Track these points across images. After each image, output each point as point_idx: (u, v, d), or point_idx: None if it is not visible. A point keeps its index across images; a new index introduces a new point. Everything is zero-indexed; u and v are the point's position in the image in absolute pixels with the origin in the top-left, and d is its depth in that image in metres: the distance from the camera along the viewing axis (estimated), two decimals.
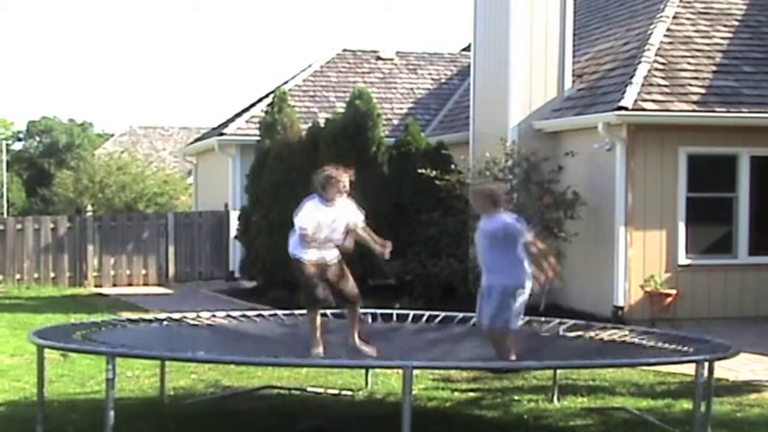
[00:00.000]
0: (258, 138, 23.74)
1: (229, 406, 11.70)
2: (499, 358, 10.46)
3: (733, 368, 13.41)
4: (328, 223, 10.80)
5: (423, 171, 19.87)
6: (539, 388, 12.52)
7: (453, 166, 20.37)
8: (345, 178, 11.02)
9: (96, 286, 26.29)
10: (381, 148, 21.74)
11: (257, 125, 24.64)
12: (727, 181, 19.02)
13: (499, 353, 10.45)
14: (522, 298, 10.45)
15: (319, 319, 10.88)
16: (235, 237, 24.94)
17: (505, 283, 10.44)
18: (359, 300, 11.16)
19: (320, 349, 10.68)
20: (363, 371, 12.75)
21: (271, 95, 24.85)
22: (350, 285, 11.03)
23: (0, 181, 64.31)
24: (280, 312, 13.34)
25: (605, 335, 12.01)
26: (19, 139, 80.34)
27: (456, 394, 12.37)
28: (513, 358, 10.39)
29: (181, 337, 11.71)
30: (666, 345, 11.05)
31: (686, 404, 11.25)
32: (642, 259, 18.46)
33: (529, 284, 10.48)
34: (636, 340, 11.69)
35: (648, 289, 18.32)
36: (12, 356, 15.02)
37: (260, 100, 28.82)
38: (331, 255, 10.91)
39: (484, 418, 11.28)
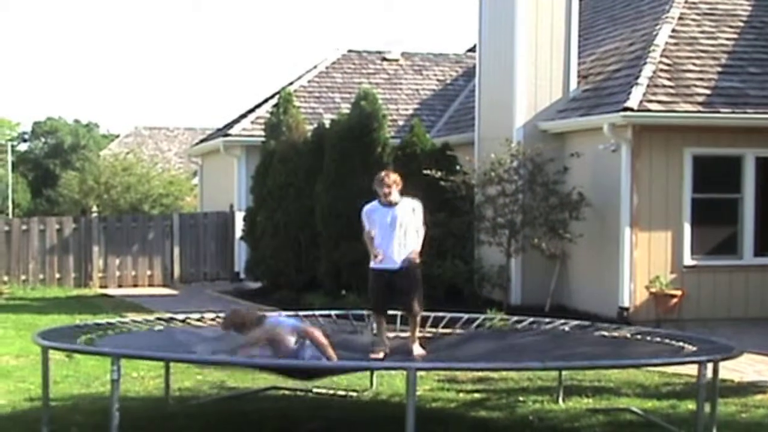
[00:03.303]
0: (263, 139, 23.75)
1: (234, 407, 11.71)
2: None
3: (738, 369, 13.40)
4: (383, 223, 11.58)
5: (428, 172, 19.86)
6: (544, 388, 12.50)
7: (458, 167, 20.36)
8: (388, 179, 11.71)
9: (101, 287, 26.31)
10: (386, 149, 21.73)
11: (262, 126, 24.66)
12: (732, 182, 19.01)
13: None
14: None
15: (383, 323, 11.71)
16: (241, 238, 24.96)
17: None
18: (414, 310, 11.63)
19: (380, 352, 11.43)
20: (368, 372, 12.74)
21: (277, 96, 24.87)
22: (407, 296, 11.58)
23: (5, 182, 64.35)
24: (284, 313, 13.35)
25: (610, 336, 12.01)
26: (25, 140, 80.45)
27: (461, 395, 12.36)
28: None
29: (185, 338, 11.70)
30: (671, 345, 11.05)
31: (691, 405, 11.21)
32: (647, 260, 18.45)
33: None
34: (641, 340, 11.69)
35: (653, 290, 18.31)
36: (17, 357, 15.03)
37: (266, 101, 28.85)
38: (395, 263, 11.51)
39: (489, 419, 11.27)
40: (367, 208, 11.86)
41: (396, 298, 11.66)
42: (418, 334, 11.75)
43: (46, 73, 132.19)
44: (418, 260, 11.58)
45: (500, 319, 13.85)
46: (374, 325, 11.92)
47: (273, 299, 21.18)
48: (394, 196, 11.61)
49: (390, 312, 11.92)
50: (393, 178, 11.72)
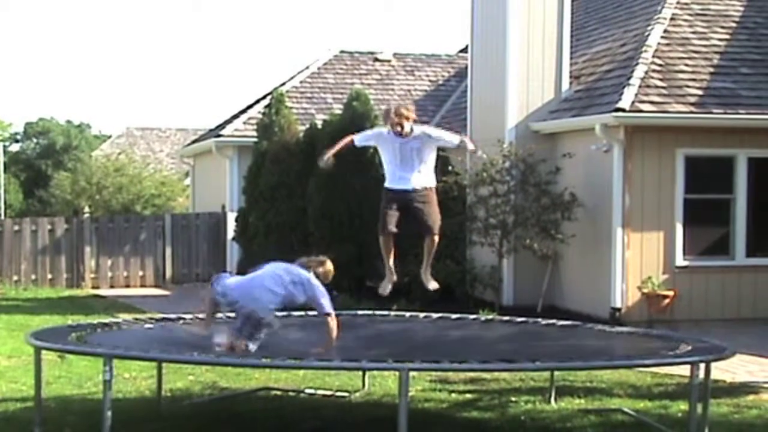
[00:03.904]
0: (255, 139, 23.74)
1: (227, 407, 11.71)
2: None
3: (730, 370, 13.42)
4: (394, 151, 11.11)
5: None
6: (536, 389, 12.52)
7: (450, 168, 20.36)
8: (397, 115, 11.05)
9: (93, 287, 26.28)
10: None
11: (254, 127, 24.65)
12: (724, 182, 19.03)
13: None
14: None
15: (390, 246, 11.37)
16: (233, 238, 24.94)
17: None
18: (433, 232, 11.26)
19: (389, 282, 11.48)
20: (360, 373, 12.75)
21: (269, 97, 24.85)
22: (426, 216, 11.18)
23: None
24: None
25: (603, 336, 12.02)
26: (17, 141, 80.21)
27: (453, 395, 12.37)
28: None
29: (178, 338, 11.69)
30: (663, 346, 11.06)
31: (683, 406, 11.24)
32: (639, 261, 18.47)
33: None
34: (633, 341, 11.71)
35: (645, 290, 18.33)
36: (9, 358, 15.01)
37: (257, 101, 28.82)
38: (409, 184, 11.10)
39: (481, 420, 11.27)
40: (375, 131, 11.68)
41: (411, 219, 11.19)
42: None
43: (38, 74, 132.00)
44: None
45: (492, 320, 13.84)
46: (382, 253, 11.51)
47: None
48: (406, 128, 10.96)
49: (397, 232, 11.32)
50: (404, 113, 10.98)
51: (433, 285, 11.60)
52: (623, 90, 18.61)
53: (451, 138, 11.35)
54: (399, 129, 10.91)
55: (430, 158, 11.20)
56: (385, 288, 11.57)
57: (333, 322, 10.16)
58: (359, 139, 11.47)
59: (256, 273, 10.39)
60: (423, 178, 11.12)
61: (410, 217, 11.15)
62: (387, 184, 11.21)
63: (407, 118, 10.94)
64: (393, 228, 11.13)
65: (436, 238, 11.30)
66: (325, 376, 13.29)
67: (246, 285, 10.25)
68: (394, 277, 11.51)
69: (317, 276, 10.27)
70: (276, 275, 10.27)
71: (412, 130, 10.98)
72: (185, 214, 32.23)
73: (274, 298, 10.06)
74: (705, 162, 19.00)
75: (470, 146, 11.30)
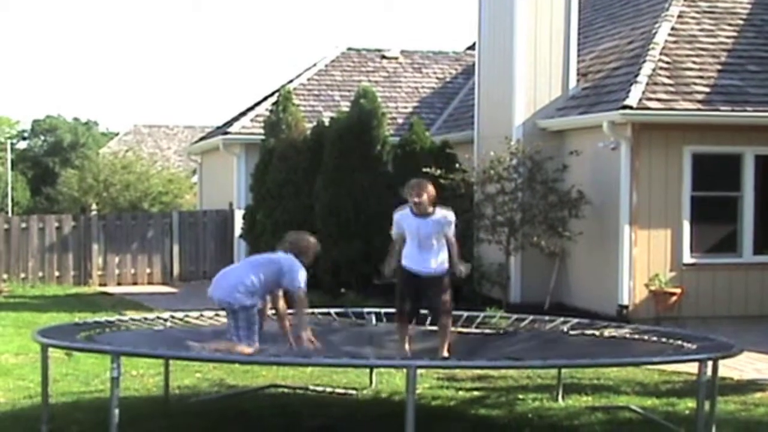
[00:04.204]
0: (263, 137, 23.73)
1: (234, 405, 11.71)
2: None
3: (737, 367, 13.40)
4: (412, 231, 11.04)
5: (427, 170, 19.81)
6: (544, 386, 12.51)
7: (457, 165, 20.34)
8: (418, 191, 11.04)
9: (101, 284, 26.31)
10: (386, 147, 21.73)
11: (262, 124, 24.66)
12: (731, 180, 19.00)
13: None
14: None
15: (404, 331, 11.19)
16: (240, 236, 24.93)
17: None
18: (440, 317, 11.18)
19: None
20: (367, 370, 12.75)
21: (276, 94, 24.86)
22: (436, 303, 11.12)
23: (5, 180, 64.33)
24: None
25: (609, 334, 12.01)
26: (24, 138, 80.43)
27: (460, 392, 12.36)
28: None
29: (185, 336, 11.69)
30: (670, 344, 11.05)
31: (691, 403, 11.22)
32: (647, 258, 18.45)
33: None
34: (640, 338, 11.70)
35: (653, 287, 18.31)
36: (17, 355, 15.03)
37: (265, 98, 28.84)
38: (424, 268, 11.03)
39: (489, 417, 11.28)
40: (398, 214, 11.25)
41: (423, 303, 11.22)
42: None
43: (46, 71, 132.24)
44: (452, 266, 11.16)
45: (500, 317, 13.84)
46: (396, 334, 11.42)
47: None
48: (424, 208, 10.97)
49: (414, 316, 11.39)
50: (425, 190, 11.02)
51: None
52: (630, 87, 18.59)
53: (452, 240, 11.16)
54: (416, 200, 10.91)
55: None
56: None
57: (303, 296, 10.27)
58: (395, 234, 11.29)
59: (230, 267, 10.54)
60: (438, 262, 11.03)
61: (423, 300, 11.19)
62: (403, 262, 11.16)
63: (426, 194, 10.98)
64: (407, 315, 11.20)
65: (448, 321, 11.18)
66: (332, 373, 13.28)
67: (222, 283, 10.29)
68: (408, 355, 11.15)
69: (297, 252, 10.45)
70: (250, 261, 10.60)
71: (434, 210, 11.02)
72: (192, 211, 32.28)
73: (253, 284, 10.12)
74: (712, 159, 18.97)
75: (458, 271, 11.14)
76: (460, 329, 12.41)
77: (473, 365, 11.80)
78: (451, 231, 11.10)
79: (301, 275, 10.26)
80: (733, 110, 18.75)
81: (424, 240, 10.97)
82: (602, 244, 19.03)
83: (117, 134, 70.29)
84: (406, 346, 11.17)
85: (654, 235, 18.51)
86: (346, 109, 22.92)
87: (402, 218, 11.16)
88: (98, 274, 26.60)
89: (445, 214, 11.06)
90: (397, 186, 21.26)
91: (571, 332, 12.17)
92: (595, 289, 19.16)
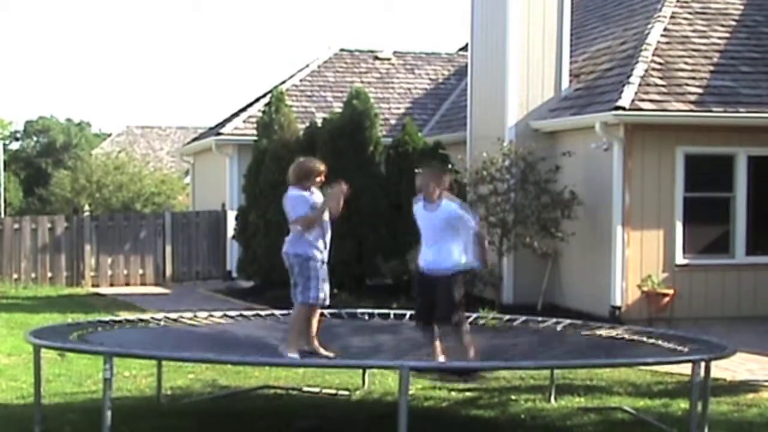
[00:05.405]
0: (255, 138, 23.73)
1: (226, 405, 11.71)
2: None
3: (730, 368, 13.41)
4: (423, 223, 10.63)
5: (419, 171, 19.83)
6: (536, 387, 12.52)
7: (450, 166, 20.34)
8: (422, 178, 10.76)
9: (93, 285, 26.26)
10: (378, 148, 21.75)
11: (254, 125, 24.64)
12: (724, 180, 19.02)
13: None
14: None
15: (431, 335, 10.49)
16: (233, 237, 24.93)
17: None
18: (438, 321, 10.44)
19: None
20: (360, 371, 12.74)
21: (269, 95, 24.85)
22: (438, 303, 10.39)
23: None
24: (277, 311, 13.36)
25: (602, 335, 12.02)
26: (17, 139, 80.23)
27: (453, 393, 12.35)
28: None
29: (178, 336, 11.70)
30: (663, 345, 11.06)
31: (683, 404, 11.25)
32: (639, 259, 18.46)
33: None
34: (633, 339, 11.70)
35: (645, 288, 18.32)
36: (9, 356, 15.01)
37: (257, 99, 28.82)
38: (430, 264, 10.49)
39: (481, 418, 11.28)
40: (415, 205, 10.69)
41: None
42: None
43: (38, 72, 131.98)
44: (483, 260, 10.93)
45: (492, 318, 13.84)
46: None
47: (265, 298, 21.13)
48: (432, 195, 10.45)
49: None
50: (429, 177, 10.59)
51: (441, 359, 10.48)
52: (623, 88, 18.61)
53: (471, 225, 10.54)
54: (422, 187, 10.47)
55: (458, 236, 10.43)
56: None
57: (308, 219, 11.19)
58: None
59: None
60: (447, 258, 10.34)
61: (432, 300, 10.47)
62: (419, 261, 10.63)
63: (433, 178, 10.50)
64: (423, 321, 10.58)
65: (458, 330, 10.42)
66: (325, 374, 13.29)
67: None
68: (441, 358, 10.41)
69: (296, 180, 11.69)
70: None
71: (440, 197, 10.46)
72: (185, 212, 32.22)
73: (293, 232, 11.17)
74: (705, 160, 18.98)
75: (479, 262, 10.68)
76: None
77: (466, 366, 11.79)
78: (466, 221, 10.48)
79: (297, 203, 11.37)
80: (725, 111, 18.78)
81: (433, 232, 10.42)
82: (595, 245, 19.05)
83: (110, 135, 70.14)
84: (438, 349, 10.39)
85: (646, 236, 18.52)
86: (339, 110, 22.93)
87: (416, 211, 10.67)
88: (91, 275, 26.54)
89: (452, 203, 10.51)
90: (389, 187, 21.46)
91: (564, 333, 12.19)
92: (588, 290, 19.17)
